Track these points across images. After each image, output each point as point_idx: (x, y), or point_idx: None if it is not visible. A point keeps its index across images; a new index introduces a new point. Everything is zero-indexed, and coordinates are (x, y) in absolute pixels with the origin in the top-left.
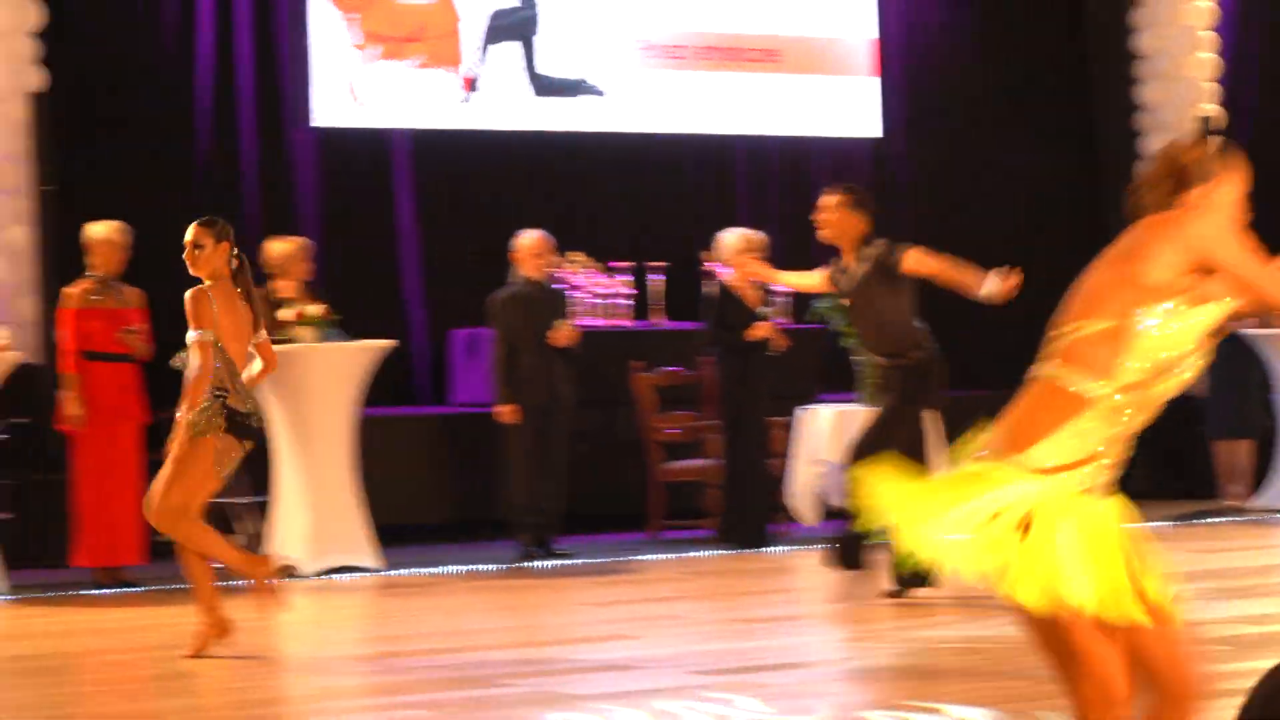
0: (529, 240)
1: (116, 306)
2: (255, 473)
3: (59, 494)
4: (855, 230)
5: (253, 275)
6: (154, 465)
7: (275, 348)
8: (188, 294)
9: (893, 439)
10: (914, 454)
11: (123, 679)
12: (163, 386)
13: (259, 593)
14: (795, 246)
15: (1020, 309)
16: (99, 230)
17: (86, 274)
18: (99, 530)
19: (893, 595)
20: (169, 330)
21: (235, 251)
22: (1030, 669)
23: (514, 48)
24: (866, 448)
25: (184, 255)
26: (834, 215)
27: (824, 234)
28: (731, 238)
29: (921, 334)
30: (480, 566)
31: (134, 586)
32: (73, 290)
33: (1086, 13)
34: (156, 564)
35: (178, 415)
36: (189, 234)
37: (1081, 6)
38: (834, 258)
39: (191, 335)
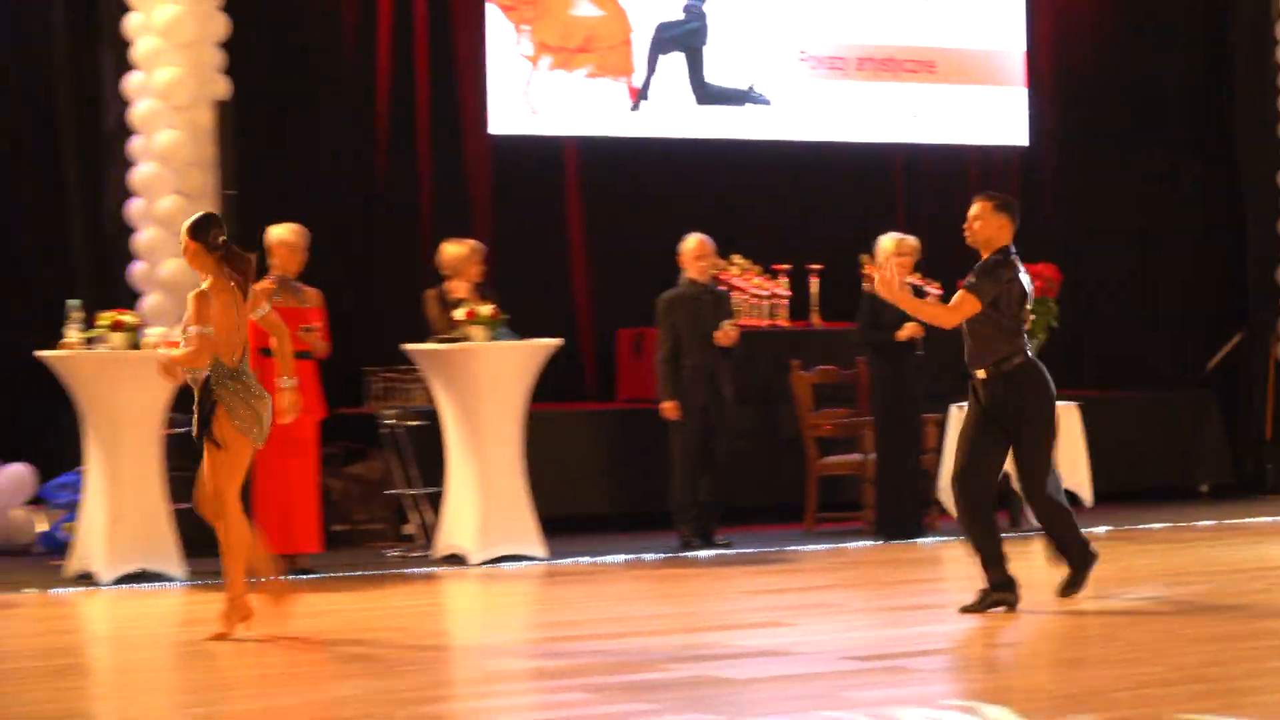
0: (692, 243)
1: (296, 305)
2: (428, 465)
3: None
4: (1001, 237)
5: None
6: (328, 458)
7: (449, 346)
8: (191, 294)
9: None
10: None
11: (299, 662)
12: (338, 383)
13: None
14: (947, 251)
15: (1162, 313)
16: (279, 232)
17: (268, 274)
18: (277, 519)
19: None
20: (343, 329)
21: (219, 240)
22: (1172, 651)
23: (679, 58)
24: (1030, 476)
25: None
26: (981, 221)
27: (971, 240)
28: (887, 241)
29: (1016, 345)
30: (643, 556)
31: (309, 573)
32: (255, 289)
33: (1231, 26)
34: (331, 552)
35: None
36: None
37: (1227, 20)
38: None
39: (191, 330)
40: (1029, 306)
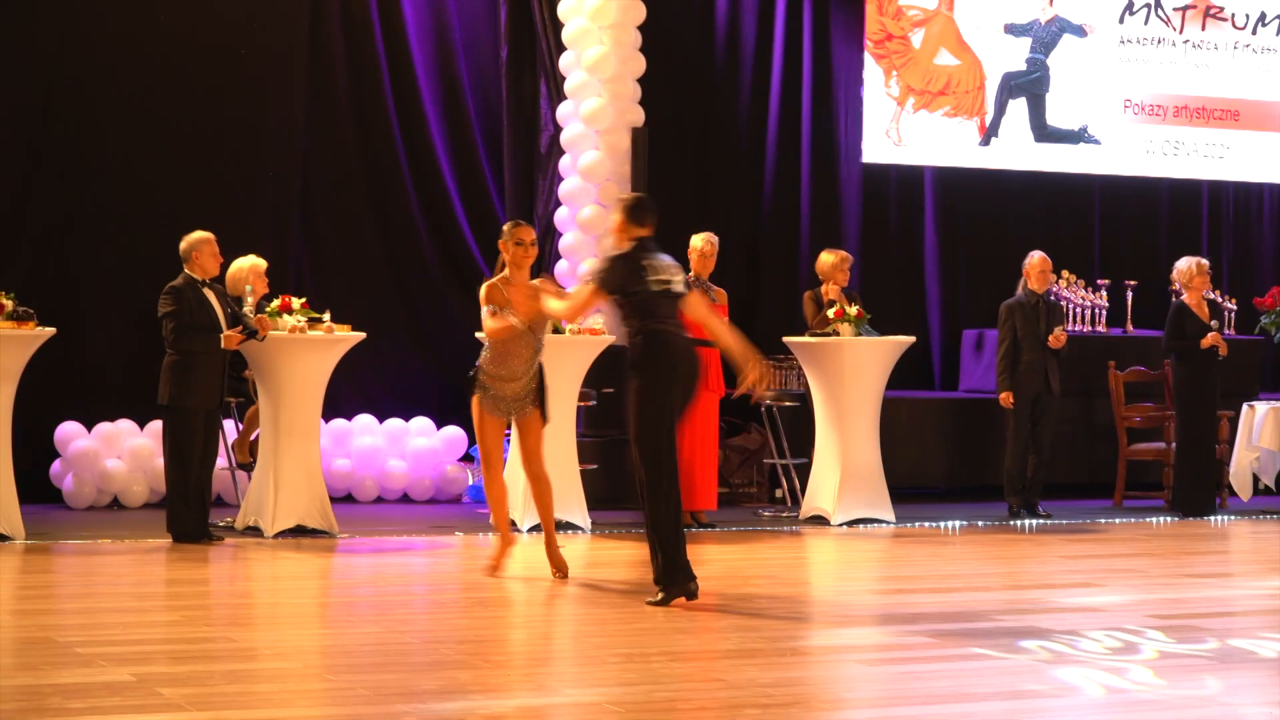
0: (1036, 259)
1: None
2: (798, 439)
3: None
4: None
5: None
6: (727, 430)
7: (821, 339)
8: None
9: None
10: None
11: (682, 603)
12: (724, 365)
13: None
14: (1243, 271)
15: None
16: (695, 241)
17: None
18: (686, 481)
19: None
20: (732, 321)
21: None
22: None
23: (1023, 103)
24: None
25: (520, 256)
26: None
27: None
28: (1186, 263)
29: None
30: (976, 522)
31: (711, 527)
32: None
33: None
34: (724, 509)
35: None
36: (529, 235)
37: None
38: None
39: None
40: None
